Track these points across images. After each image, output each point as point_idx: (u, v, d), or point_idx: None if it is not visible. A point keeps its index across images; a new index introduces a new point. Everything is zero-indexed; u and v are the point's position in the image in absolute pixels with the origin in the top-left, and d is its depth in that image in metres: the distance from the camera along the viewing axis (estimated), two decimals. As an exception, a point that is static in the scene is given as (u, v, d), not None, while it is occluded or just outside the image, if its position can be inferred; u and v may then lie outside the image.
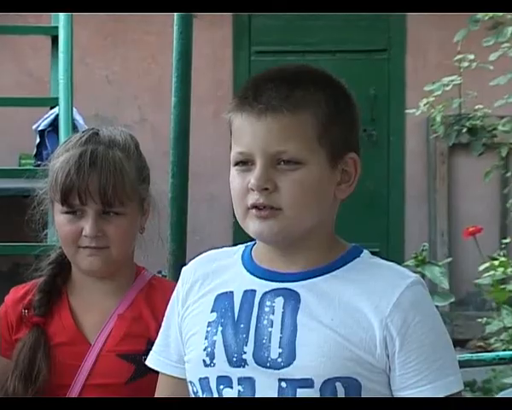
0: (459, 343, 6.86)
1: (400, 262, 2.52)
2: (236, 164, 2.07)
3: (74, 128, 4.64)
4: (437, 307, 2.57)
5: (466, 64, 6.41)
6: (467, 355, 4.79)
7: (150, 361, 2.27)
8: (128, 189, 2.56)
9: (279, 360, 2.05)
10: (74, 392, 2.56)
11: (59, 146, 2.98)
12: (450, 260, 7.00)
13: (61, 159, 2.55)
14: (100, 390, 2.53)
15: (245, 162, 2.05)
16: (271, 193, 2.02)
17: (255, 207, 2.04)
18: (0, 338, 2.64)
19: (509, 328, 5.16)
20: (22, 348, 2.52)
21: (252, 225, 2.06)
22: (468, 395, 4.71)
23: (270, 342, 2.07)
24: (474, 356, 4.63)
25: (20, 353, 2.51)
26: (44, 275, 2.60)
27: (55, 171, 2.54)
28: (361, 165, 2.12)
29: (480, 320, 5.89)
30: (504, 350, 4.88)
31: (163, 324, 2.29)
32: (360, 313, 2.05)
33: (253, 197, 2.02)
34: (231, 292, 2.13)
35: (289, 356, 2.06)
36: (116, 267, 2.58)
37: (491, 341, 5.63)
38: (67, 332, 2.53)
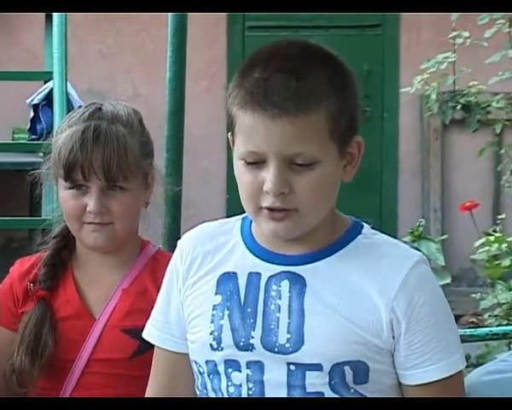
0: None
1: (395, 238, 2.38)
2: (244, 160, 2.06)
3: (68, 102, 4.66)
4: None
5: (460, 41, 6.36)
6: (460, 331, 5.02)
7: (150, 336, 2.26)
8: (131, 164, 2.55)
9: (287, 345, 2.06)
10: (79, 367, 2.57)
11: (62, 121, 2.99)
12: (446, 236, 7.04)
13: (64, 134, 2.56)
14: (104, 365, 2.54)
15: (255, 161, 2.05)
16: (287, 196, 2.02)
17: (269, 209, 2.04)
18: (0, 311, 2.67)
19: (503, 304, 5.16)
20: (28, 321, 2.55)
21: (265, 225, 2.06)
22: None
23: (278, 327, 2.08)
24: (468, 332, 4.37)
25: (27, 327, 2.54)
26: (49, 249, 2.62)
27: (59, 146, 2.55)
28: (364, 145, 2.12)
29: (474, 296, 5.91)
30: (498, 326, 4.82)
31: (161, 297, 2.26)
32: (366, 296, 2.07)
33: (269, 200, 2.02)
34: (235, 273, 2.13)
35: (298, 342, 2.07)
36: (120, 242, 2.59)
37: (485, 316, 5.61)
38: (72, 306, 2.56)
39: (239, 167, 2.06)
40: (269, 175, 1.99)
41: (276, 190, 1.98)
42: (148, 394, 2.29)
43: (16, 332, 2.58)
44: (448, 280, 5.58)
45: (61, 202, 2.64)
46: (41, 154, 3.06)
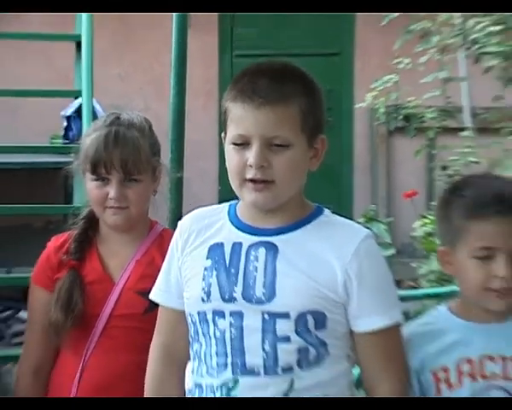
0: (396, 283, 6.81)
1: (351, 220, 2.45)
2: (234, 143, 2.07)
3: (94, 114, 4.64)
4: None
5: (402, 65, 6.48)
6: (403, 292, 4.63)
7: (155, 297, 2.27)
8: (144, 161, 2.55)
9: (262, 297, 2.06)
10: (102, 320, 2.57)
11: (88, 127, 3.04)
12: (391, 219, 7.04)
13: (90, 137, 2.56)
14: (122, 319, 2.53)
15: (242, 143, 2.05)
16: (266, 169, 2.02)
17: (252, 180, 2.04)
18: (41, 276, 2.65)
19: (436, 271, 5.11)
20: (62, 285, 2.55)
21: (248, 196, 2.06)
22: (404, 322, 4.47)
23: (255, 284, 2.07)
24: (409, 293, 4.68)
25: (61, 289, 2.54)
26: (78, 228, 2.63)
27: (87, 147, 2.55)
28: (327, 143, 2.13)
29: (413, 265, 5.88)
30: (431, 288, 4.87)
31: (164, 267, 2.27)
32: (326, 260, 2.07)
33: (251, 172, 2.02)
34: (222, 243, 2.14)
35: (271, 295, 2.06)
36: (134, 223, 2.60)
37: (422, 281, 5.60)
38: (96, 273, 2.56)
39: (229, 151, 2.06)
40: (252, 153, 2.00)
41: (258, 162, 2.00)
42: (155, 342, 2.28)
43: (52, 293, 2.59)
44: (393, 252, 5.83)
45: (88, 191, 2.63)
46: (72, 155, 2.93)
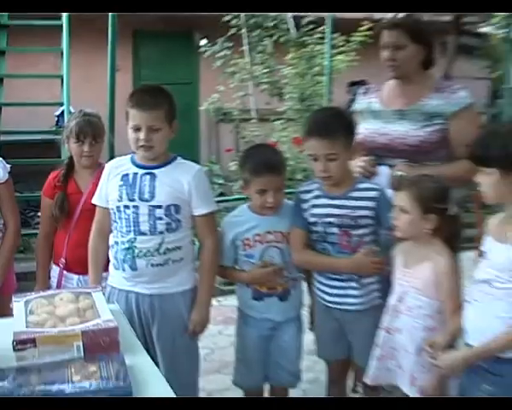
0: (223, 195, 7.02)
1: (198, 164, 2.68)
2: (132, 129, 2.39)
3: (70, 114, 4.45)
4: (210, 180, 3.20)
5: (222, 88, 7.98)
6: (221, 198, 5.99)
7: (95, 201, 2.63)
8: (101, 132, 2.90)
9: (148, 198, 2.47)
10: (77, 213, 2.90)
11: (68, 119, 3.23)
12: (219, 166, 8.47)
13: (71, 123, 2.88)
14: (86, 212, 2.82)
15: (136, 129, 2.40)
16: (149, 141, 2.41)
17: (142, 146, 2.42)
18: (48, 192, 2.92)
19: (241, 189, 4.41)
20: (57, 197, 2.92)
21: (141, 154, 2.47)
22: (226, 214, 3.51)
23: (145, 192, 2.47)
24: (224, 198, 5.82)
25: (57, 198, 2.91)
26: (63, 168, 2.96)
27: (71, 127, 2.86)
28: (177, 125, 2.47)
29: (230, 184, 7.12)
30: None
31: (99, 185, 2.61)
32: (180, 181, 2.48)
33: (142, 142, 2.40)
34: (128, 174, 2.53)
35: (153, 197, 2.48)
36: (94, 164, 2.87)
37: (235, 193, 6.48)
38: (73, 189, 2.92)
39: (130, 133, 2.41)
40: (142, 134, 2.39)
41: (145, 139, 2.38)
42: (93, 226, 2.65)
43: (53, 200, 2.91)
44: (222, 181, 7.44)
45: (71, 149, 2.89)
46: (60, 136, 3.35)
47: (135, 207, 2.52)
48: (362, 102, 2.99)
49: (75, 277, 2.93)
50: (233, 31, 8.06)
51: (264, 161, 2.57)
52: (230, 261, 2.75)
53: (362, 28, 7.79)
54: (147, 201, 2.51)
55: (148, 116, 2.40)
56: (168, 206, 2.51)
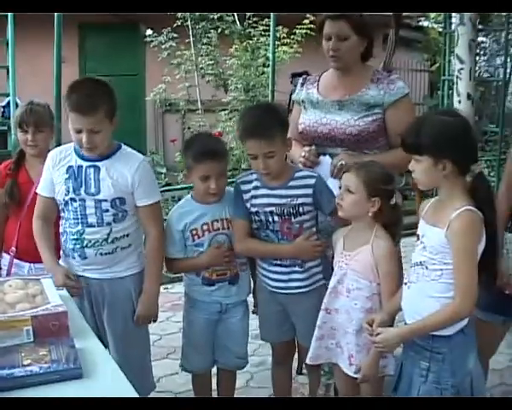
0: (169, 185, 6.84)
1: (144, 154, 2.72)
2: (73, 130, 2.35)
3: (17, 105, 4.57)
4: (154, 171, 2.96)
5: (177, 72, 8.12)
6: (169, 187, 5.96)
7: (40, 191, 2.60)
8: (47, 121, 2.86)
9: (94, 192, 2.45)
10: (28, 201, 2.84)
11: (15, 110, 3.22)
12: (162, 153, 8.79)
13: (18, 112, 2.90)
14: (35, 200, 2.71)
15: (77, 131, 2.36)
16: (94, 139, 2.38)
17: (85, 147, 2.39)
18: None
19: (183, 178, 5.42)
20: (8, 185, 2.90)
21: (86, 153, 2.43)
22: (173, 204, 3.93)
23: (90, 186, 2.45)
24: (169, 188, 5.77)
25: (7, 187, 2.89)
26: (14, 158, 2.95)
27: (17, 116, 2.89)
28: (118, 119, 2.42)
29: (175, 174, 7.12)
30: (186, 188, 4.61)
31: (43, 175, 2.57)
32: (124, 173, 2.45)
33: (84, 140, 2.38)
34: (72, 166, 2.49)
35: (98, 191, 2.45)
36: (42, 153, 2.78)
37: (180, 182, 6.46)
38: (24, 179, 2.88)
39: (72, 133, 2.38)
40: (84, 137, 2.37)
41: (87, 142, 2.38)
42: (36, 213, 2.61)
43: (4, 189, 2.89)
44: (165, 170, 7.52)
45: (18, 138, 2.89)
46: (5, 127, 3.90)
47: (81, 200, 2.52)
48: (301, 93, 3.01)
49: (26, 265, 2.92)
50: (179, 22, 8.20)
51: (205, 148, 2.59)
52: (181, 254, 2.74)
53: (305, 21, 7.99)
54: (93, 195, 2.50)
55: (87, 120, 2.38)
56: (113, 199, 2.52)
